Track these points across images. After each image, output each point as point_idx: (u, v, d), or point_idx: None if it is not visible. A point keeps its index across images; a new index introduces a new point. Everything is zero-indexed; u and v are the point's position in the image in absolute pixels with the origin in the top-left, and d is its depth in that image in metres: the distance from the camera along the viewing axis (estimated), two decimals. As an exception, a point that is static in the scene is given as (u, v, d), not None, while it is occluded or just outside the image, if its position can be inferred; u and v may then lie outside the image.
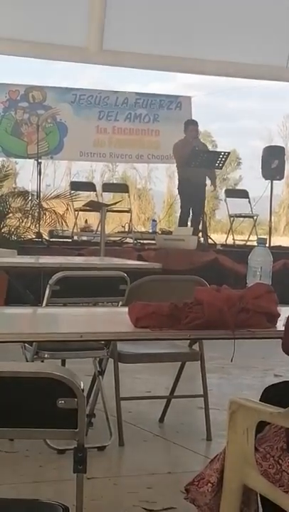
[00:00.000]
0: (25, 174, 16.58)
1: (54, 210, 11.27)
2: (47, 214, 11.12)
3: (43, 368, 2.12)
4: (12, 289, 8.52)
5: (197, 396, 4.93)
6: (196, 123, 12.34)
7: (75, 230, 12.36)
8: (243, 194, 13.66)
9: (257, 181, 13.55)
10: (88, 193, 13.58)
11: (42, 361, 4.39)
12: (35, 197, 11.33)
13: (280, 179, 12.64)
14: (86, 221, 13.73)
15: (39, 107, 14.02)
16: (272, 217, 13.26)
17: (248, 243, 12.19)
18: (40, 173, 11.55)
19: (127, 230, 12.98)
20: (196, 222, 11.76)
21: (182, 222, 11.99)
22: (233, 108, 30.92)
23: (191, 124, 12.23)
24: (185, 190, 11.91)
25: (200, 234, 11.57)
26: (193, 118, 13.37)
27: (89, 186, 14.30)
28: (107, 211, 10.01)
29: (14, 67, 17.24)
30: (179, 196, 12.34)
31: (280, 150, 13.10)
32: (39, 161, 11.77)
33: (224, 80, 15.26)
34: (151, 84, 27.28)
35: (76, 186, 13.28)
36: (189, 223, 11.94)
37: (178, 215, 12.67)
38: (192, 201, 11.80)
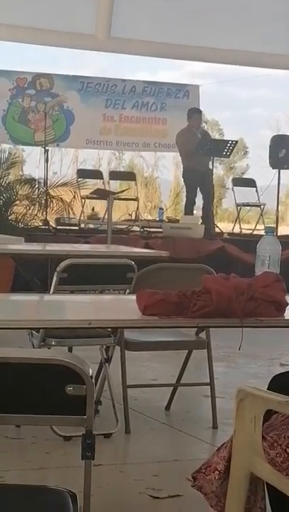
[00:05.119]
0: (32, 162, 16.59)
1: (61, 198, 11.27)
2: (54, 201, 11.12)
3: (52, 355, 2.12)
4: (19, 277, 8.53)
5: (203, 384, 4.93)
6: (201, 112, 12.28)
7: (81, 218, 12.36)
8: (250, 183, 13.64)
9: (264, 170, 13.53)
10: (95, 180, 13.57)
11: (49, 348, 4.40)
12: (42, 184, 11.33)
13: (287, 168, 12.60)
14: (93, 209, 13.72)
15: (46, 94, 14.01)
16: (280, 207, 13.24)
17: (255, 232, 12.19)
18: (47, 160, 11.55)
19: (133, 218, 12.97)
20: (206, 210, 11.74)
21: (187, 211, 11.99)
22: (241, 97, 30.84)
23: (196, 113, 12.17)
24: (190, 178, 11.89)
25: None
26: (200, 107, 13.34)
27: (96, 174, 14.29)
28: (114, 199, 10.01)
29: (21, 54, 17.23)
30: (184, 184, 12.31)
31: (287, 139, 13.05)
32: (46, 148, 11.77)
33: (233, 69, 15.21)
34: (160, 72, 27.26)
35: (83, 174, 13.27)
36: (196, 211, 11.93)
37: (184, 203, 12.67)
38: (199, 189, 11.77)
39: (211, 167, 11.90)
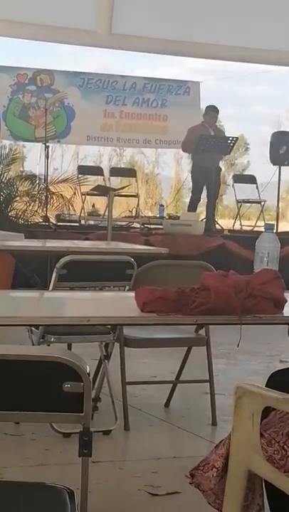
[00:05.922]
0: (32, 158, 16.60)
1: (61, 194, 11.25)
2: (54, 198, 11.10)
3: (49, 352, 2.12)
4: (19, 273, 8.53)
5: (203, 381, 4.93)
6: (216, 109, 12.15)
7: (82, 214, 12.36)
8: (251, 179, 13.63)
9: (265, 167, 13.52)
10: (96, 177, 13.57)
11: (48, 345, 4.40)
12: (43, 181, 11.32)
13: (288, 165, 12.60)
14: (93, 205, 13.71)
15: (47, 90, 13.99)
16: (280, 203, 13.24)
17: (255, 229, 12.18)
18: (47, 156, 11.54)
19: (134, 214, 12.96)
20: (209, 207, 11.72)
21: (191, 208, 11.97)
22: (242, 93, 30.78)
23: (211, 111, 12.08)
24: (197, 175, 11.85)
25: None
26: (201, 103, 13.30)
27: (96, 170, 14.28)
28: (115, 196, 10.00)
29: (22, 50, 17.18)
30: (191, 181, 12.25)
31: (288, 135, 13.04)
32: (47, 144, 11.76)
33: (233, 65, 15.21)
34: (160, 69, 27.23)
35: (84, 170, 13.27)
36: (199, 208, 11.90)
37: (185, 200, 12.66)
38: (206, 186, 11.74)
39: (218, 164, 11.88)
